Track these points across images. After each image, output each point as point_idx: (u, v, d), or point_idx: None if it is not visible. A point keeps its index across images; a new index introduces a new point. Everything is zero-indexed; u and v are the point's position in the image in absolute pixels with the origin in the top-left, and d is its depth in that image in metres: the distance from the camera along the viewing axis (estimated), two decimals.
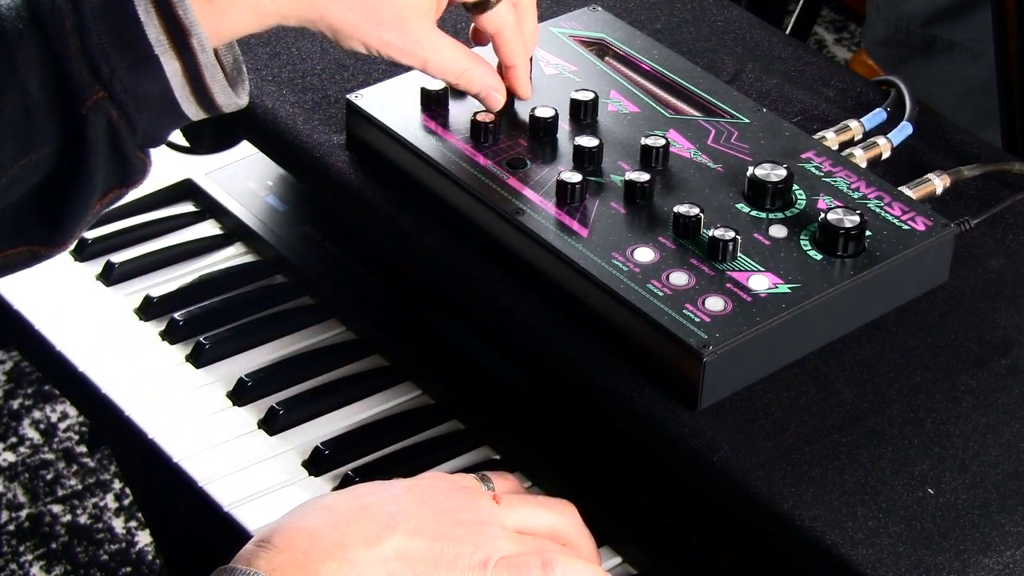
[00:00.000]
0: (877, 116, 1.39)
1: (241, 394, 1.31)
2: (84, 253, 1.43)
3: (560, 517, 1.15)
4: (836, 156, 1.31)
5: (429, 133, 1.32)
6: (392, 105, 1.34)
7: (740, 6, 1.55)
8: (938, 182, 1.33)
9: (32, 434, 2.49)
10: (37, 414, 2.52)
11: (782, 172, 1.26)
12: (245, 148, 1.49)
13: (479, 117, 1.31)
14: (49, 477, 2.43)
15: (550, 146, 1.31)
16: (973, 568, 1.08)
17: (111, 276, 1.41)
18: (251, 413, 1.30)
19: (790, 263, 1.21)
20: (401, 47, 1.22)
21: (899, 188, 1.30)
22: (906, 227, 1.25)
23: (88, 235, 1.43)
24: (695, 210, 1.23)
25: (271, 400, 1.30)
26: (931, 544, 1.09)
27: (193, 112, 1.12)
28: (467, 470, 1.25)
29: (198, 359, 1.34)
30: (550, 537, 1.13)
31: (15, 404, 2.54)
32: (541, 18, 1.47)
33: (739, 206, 1.26)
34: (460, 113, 1.33)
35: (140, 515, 2.36)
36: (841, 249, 1.22)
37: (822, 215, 1.23)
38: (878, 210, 1.26)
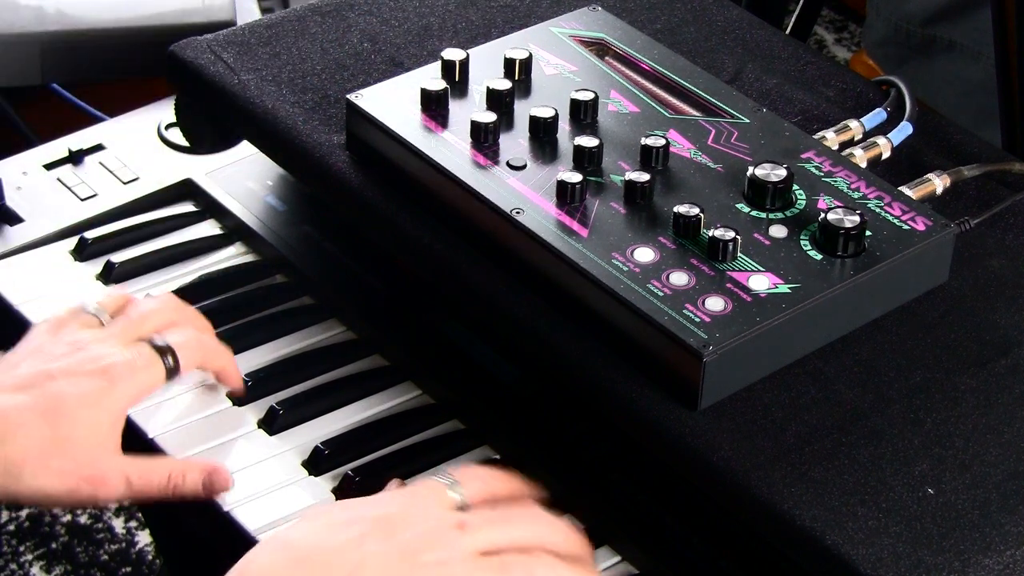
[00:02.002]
0: (877, 116, 1.39)
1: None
2: (84, 253, 1.43)
3: (529, 529, 1.12)
4: (836, 156, 1.31)
5: (429, 133, 1.32)
6: (392, 105, 1.34)
7: (740, 6, 1.55)
8: (938, 182, 1.33)
9: None
10: None
11: (782, 172, 1.26)
12: (245, 148, 1.49)
13: (479, 117, 1.31)
14: None
15: (550, 146, 1.31)
16: (973, 568, 1.08)
17: (111, 276, 1.41)
18: (251, 413, 1.30)
19: (790, 263, 1.21)
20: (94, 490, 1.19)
21: (899, 188, 1.30)
22: (906, 227, 1.25)
23: (88, 235, 1.43)
24: (695, 210, 1.23)
25: (271, 400, 1.30)
26: (931, 544, 1.09)
27: None
28: None
29: None
30: (519, 549, 1.11)
31: None
32: (541, 18, 1.47)
33: (739, 206, 1.26)
34: (460, 113, 1.33)
35: (140, 515, 2.36)
36: (841, 249, 1.22)
37: (822, 215, 1.23)
38: (878, 210, 1.26)
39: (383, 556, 1.07)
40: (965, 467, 1.14)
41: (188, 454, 1.26)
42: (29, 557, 2.32)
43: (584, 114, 1.33)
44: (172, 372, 1.25)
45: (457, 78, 1.36)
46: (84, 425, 1.19)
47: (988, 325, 1.24)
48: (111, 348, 1.23)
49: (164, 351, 1.24)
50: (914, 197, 1.31)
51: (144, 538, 2.35)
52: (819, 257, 1.22)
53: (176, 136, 1.52)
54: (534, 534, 1.12)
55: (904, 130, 1.37)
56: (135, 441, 1.28)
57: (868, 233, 1.23)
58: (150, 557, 2.33)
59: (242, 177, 1.48)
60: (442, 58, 1.36)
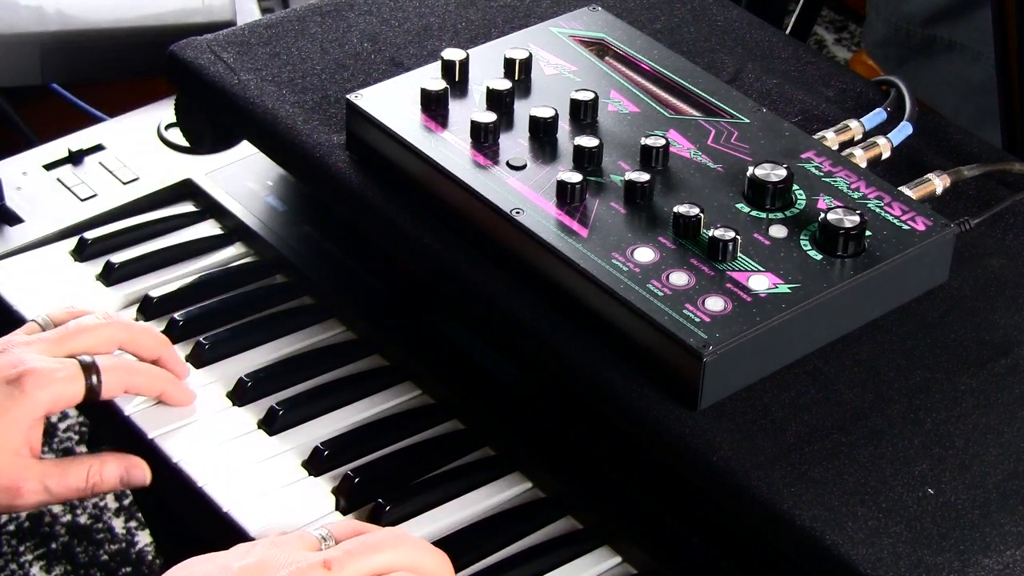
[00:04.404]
0: (877, 116, 1.39)
1: (241, 394, 1.30)
2: (84, 253, 1.43)
3: (393, 552, 1.12)
4: (836, 156, 1.31)
5: (429, 133, 1.32)
6: (392, 105, 1.34)
7: (740, 6, 1.55)
8: (938, 182, 1.33)
9: None
10: None
11: (782, 172, 1.26)
12: (245, 148, 1.49)
13: (479, 117, 1.31)
14: None
15: (550, 146, 1.31)
16: (973, 568, 1.08)
17: (111, 276, 1.41)
18: (251, 413, 1.30)
19: (790, 263, 1.21)
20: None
21: (899, 188, 1.30)
22: (906, 227, 1.25)
23: (88, 235, 1.43)
24: (695, 210, 1.23)
25: (271, 400, 1.30)
26: (931, 544, 1.09)
27: None
28: (466, 470, 1.25)
29: (198, 359, 1.33)
30: (386, 572, 1.11)
31: None
32: (541, 18, 1.47)
33: (739, 206, 1.26)
34: (460, 113, 1.33)
35: (140, 515, 2.36)
36: (841, 249, 1.22)
37: (822, 215, 1.23)
38: (878, 210, 1.26)
39: None
40: (965, 467, 1.14)
41: (188, 455, 1.26)
42: (29, 557, 2.32)
43: (584, 114, 1.33)
44: (93, 391, 1.23)
45: (457, 78, 1.36)
46: None
47: (988, 325, 1.24)
48: (32, 355, 1.22)
49: (90, 369, 1.23)
50: (914, 197, 1.31)
51: (144, 538, 2.34)
52: (819, 257, 1.22)
53: (176, 136, 1.52)
54: (397, 556, 1.12)
55: (904, 130, 1.37)
56: (135, 441, 1.28)
57: (868, 233, 1.23)
58: (150, 557, 2.33)
59: (242, 177, 1.48)
60: (442, 58, 1.36)
